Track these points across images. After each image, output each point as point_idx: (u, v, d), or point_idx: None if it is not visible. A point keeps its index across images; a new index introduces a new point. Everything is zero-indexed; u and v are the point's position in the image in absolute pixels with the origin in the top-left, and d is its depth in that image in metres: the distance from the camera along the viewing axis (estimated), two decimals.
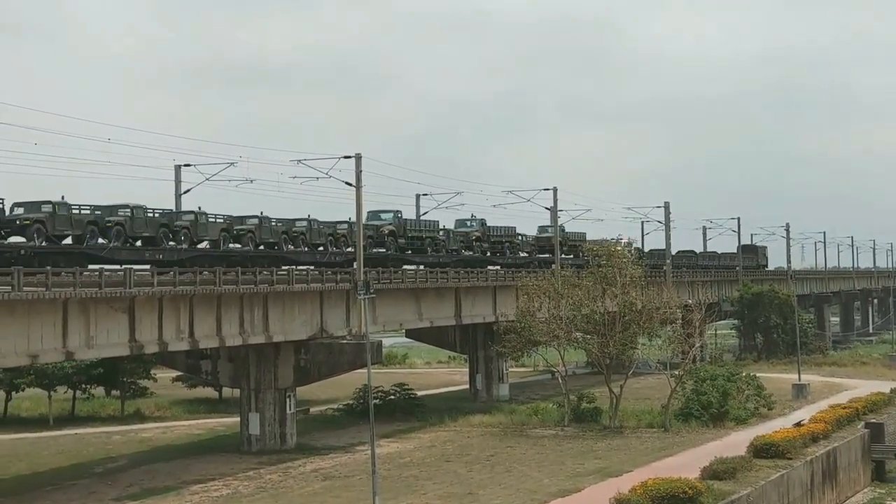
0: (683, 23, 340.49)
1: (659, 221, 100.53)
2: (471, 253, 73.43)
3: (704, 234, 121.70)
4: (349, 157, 55.60)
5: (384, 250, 64.61)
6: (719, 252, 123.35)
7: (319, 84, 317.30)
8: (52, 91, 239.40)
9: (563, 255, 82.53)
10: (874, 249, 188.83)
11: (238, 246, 54.21)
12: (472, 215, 76.18)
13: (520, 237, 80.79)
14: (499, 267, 77.14)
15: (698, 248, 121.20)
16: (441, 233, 71.29)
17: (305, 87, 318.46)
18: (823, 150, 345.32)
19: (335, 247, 60.38)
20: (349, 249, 60.54)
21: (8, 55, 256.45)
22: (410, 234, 67.48)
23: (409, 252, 67.64)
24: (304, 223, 58.32)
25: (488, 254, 76.61)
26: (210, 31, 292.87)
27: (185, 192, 59.03)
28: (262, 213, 55.58)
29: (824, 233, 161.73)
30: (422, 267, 67.31)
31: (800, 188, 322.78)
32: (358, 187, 56.09)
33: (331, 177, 56.12)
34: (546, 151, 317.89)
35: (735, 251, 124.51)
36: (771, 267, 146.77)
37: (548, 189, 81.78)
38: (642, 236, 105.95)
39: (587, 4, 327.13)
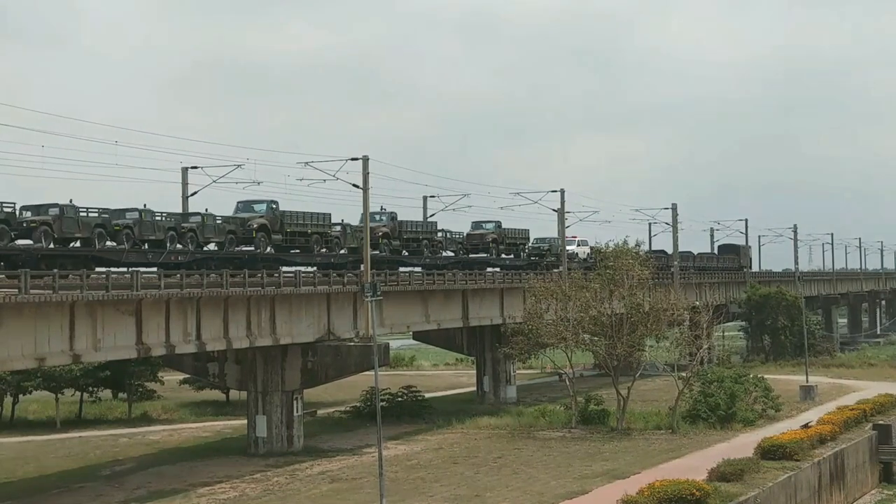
0: (692, 25, 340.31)
1: (666, 223, 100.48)
2: (376, 252, 61.63)
3: (712, 236, 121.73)
4: (356, 159, 55.65)
5: (253, 248, 54.60)
6: (695, 252, 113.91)
7: (328, 86, 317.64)
8: (60, 94, 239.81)
9: (500, 256, 77.77)
10: (882, 251, 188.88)
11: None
12: (382, 207, 65.72)
13: (442, 234, 72.43)
14: (414, 268, 68.10)
15: (704, 250, 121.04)
16: (337, 228, 60.95)
17: (314, 90, 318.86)
18: (831, 151, 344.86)
19: (189, 244, 50.00)
20: (211, 247, 52.34)
21: (17, 58, 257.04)
22: (291, 228, 57.01)
23: (292, 251, 58.05)
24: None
25: (403, 252, 67.11)
26: (219, 35, 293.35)
27: (192, 195, 59.10)
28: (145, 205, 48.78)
29: (832, 234, 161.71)
30: (311, 268, 58.04)
31: (808, 189, 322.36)
32: (365, 189, 56.11)
33: (338, 179, 56.25)
34: (555, 154, 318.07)
35: (720, 250, 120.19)
36: (777, 269, 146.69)
37: (555, 191, 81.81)
38: (650, 238, 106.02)
39: (596, 7, 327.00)
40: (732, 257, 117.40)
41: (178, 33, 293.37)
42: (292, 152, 72.04)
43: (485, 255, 75.18)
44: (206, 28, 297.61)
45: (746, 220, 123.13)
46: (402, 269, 65.41)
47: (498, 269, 77.22)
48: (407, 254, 66.95)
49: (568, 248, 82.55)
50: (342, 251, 61.05)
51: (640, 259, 64.43)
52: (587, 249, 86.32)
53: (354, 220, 62.25)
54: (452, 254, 71.99)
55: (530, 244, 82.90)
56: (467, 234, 75.34)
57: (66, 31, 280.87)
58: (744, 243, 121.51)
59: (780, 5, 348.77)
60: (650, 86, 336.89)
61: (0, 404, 66.87)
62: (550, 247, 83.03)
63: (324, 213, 59.51)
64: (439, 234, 70.75)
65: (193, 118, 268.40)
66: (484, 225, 76.17)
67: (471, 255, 74.30)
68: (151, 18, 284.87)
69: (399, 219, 67.16)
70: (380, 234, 62.72)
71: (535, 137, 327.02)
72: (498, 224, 76.53)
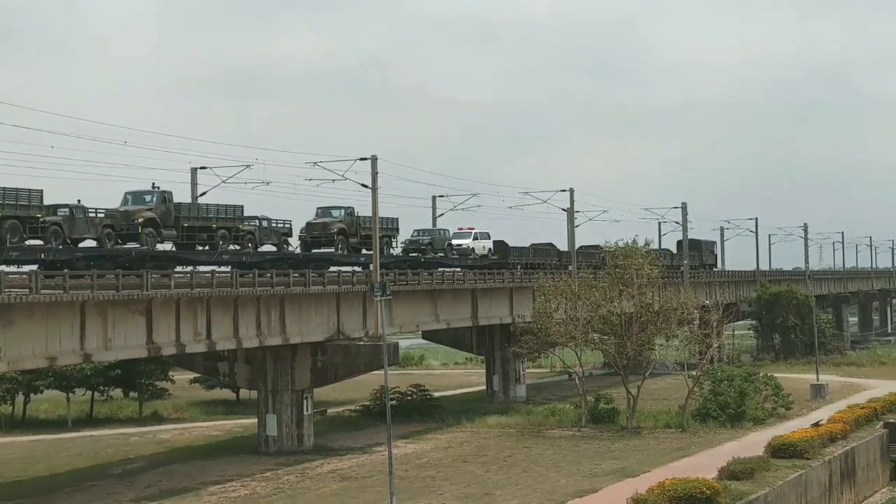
0: (701, 28, 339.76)
1: (676, 222, 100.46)
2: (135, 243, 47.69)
3: (722, 235, 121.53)
4: (365, 158, 55.72)
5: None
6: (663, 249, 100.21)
7: (337, 90, 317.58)
8: (70, 96, 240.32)
9: (349, 252, 61.39)
10: (893, 249, 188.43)
11: None
12: (154, 185, 49.76)
13: (256, 222, 55.08)
14: (193, 267, 50.88)
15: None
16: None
17: (323, 93, 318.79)
18: (840, 151, 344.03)
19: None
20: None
21: (26, 61, 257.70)
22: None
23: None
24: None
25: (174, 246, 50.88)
26: (226, 40, 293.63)
27: (201, 195, 59.22)
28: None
29: (842, 233, 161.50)
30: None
31: (818, 189, 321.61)
32: (374, 189, 56.19)
33: (347, 179, 56.28)
34: (564, 156, 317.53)
35: (678, 247, 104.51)
36: (788, 267, 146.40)
37: (564, 190, 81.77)
38: (659, 237, 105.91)
39: (602, 11, 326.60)
40: (693, 255, 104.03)
41: (186, 38, 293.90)
42: (301, 152, 72.10)
43: (330, 249, 60.00)
44: (212, 33, 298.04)
45: (756, 219, 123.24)
46: (182, 268, 49.33)
47: (358, 269, 61.16)
48: (176, 248, 50.68)
49: (458, 241, 72.98)
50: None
51: (649, 258, 64.38)
52: (488, 244, 75.55)
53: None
54: (274, 248, 56.85)
55: (409, 237, 70.29)
56: (307, 224, 60.22)
57: (73, 37, 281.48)
58: (709, 239, 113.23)
59: (789, 9, 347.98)
60: (658, 88, 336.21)
61: (12, 403, 67.05)
62: (433, 240, 70.22)
63: (234, 206, 52.55)
64: (250, 223, 54.22)
65: (203, 120, 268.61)
66: (332, 211, 60.93)
67: (314, 251, 59.73)
68: (159, 23, 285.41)
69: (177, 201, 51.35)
70: (139, 220, 47.54)
71: (543, 140, 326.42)
72: (350, 210, 60.87)
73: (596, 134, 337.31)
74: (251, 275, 49.32)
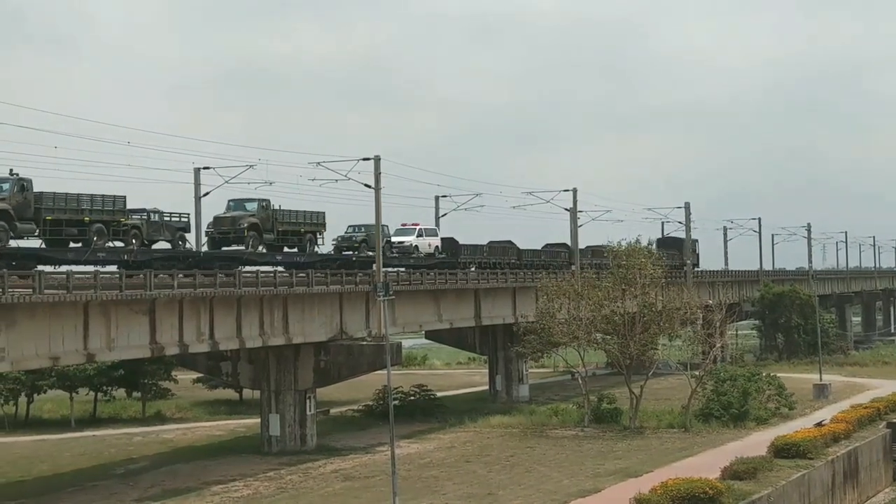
0: (704, 26, 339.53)
1: (679, 222, 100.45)
2: None
3: (725, 235, 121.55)
4: (368, 159, 55.76)
5: None
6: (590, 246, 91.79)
7: (341, 89, 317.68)
8: (73, 96, 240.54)
9: (265, 250, 55.46)
10: None
11: None
12: (11, 171, 42.77)
13: (141, 217, 48.35)
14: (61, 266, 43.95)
15: (716, 250, 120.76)
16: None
17: (326, 93, 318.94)
18: (845, 150, 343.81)
19: None
20: None
21: (30, 61, 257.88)
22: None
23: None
24: None
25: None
26: (231, 39, 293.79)
27: (204, 195, 59.25)
28: None
29: (846, 233, 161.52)
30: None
31: (821, 189, 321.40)
32: (377, 189, 56.20)
33: (350, 179, 56.31)
34: (568, 156, 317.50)
35: (658, 244, 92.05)
36: (791, 267, 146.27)
37: (567, 190, 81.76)
38: (663, 237, 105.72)
39: (609, 11, 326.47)
40: (673, 253, 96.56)
41: (190, 37, 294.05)
42: (304, 153, 72.10)
43: (241, 247, 53.25)
44: (217, 33, 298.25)
45: (760, 219, 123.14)
46: (42, 267, 42.28)
47: (281, 270, 54.75)
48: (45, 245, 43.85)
49: (400, 238, 67.02)
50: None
51: (652, 258, 64.38)
52: (436, 241, 69.81)
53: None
54: (168, 244, 50.10)
55: (343, 233, 63.43)
56: (214, 218, 54.13)
57: (79, 37, 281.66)
58: (690, 236, 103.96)
59: (795, 8, 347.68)
60: (663, 89, 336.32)
61: (15, 403, 67.11)
62: (368, 237, 61.31)
63: (114, 197, 45.69)
64: (135, 216, 47.65)
65: (204, 121, 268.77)
66: (245, 204, 54.68)
67: (223, 249, 53.46)
68: (162, 22, 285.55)
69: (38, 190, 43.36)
70: None
71: (549, 140, 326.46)
72: (264, 203, 54.73)
73: (600, 133, 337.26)
74: (254, 274, 49.34)
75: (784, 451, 46.51)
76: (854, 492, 50.13)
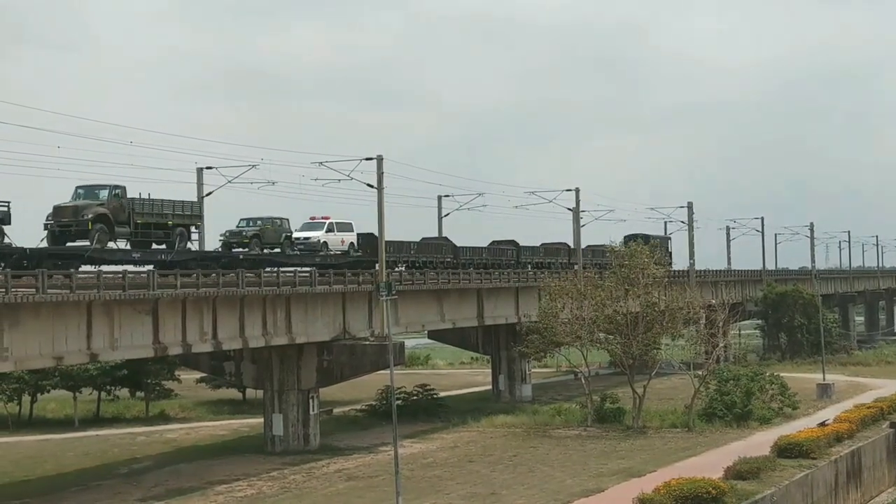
0: (708, 26, 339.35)
1: (682, 222, 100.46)
2: None
3: (728, 235, 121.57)
4: (370, 158, 55.85)
5: None
6: (589, 245, 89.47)
7: (343, 90, 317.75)
8: (76, 96, 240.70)
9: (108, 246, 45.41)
10: None
11: None
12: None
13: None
14: None
15: (719, 250, 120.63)
16: None
17: (328, 94, 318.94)
18: (849, 150, 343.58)
19: None
20: None
21: (32, 62, 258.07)
22: None
23: None
24: None
25: None
26: (232, 39, 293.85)
27: (207, 195, 59.27)
28: None
29: (849, 232, 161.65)
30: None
31: (825, 189, 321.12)
32: (379, 189, 56.25)
33: (352, 179, 56.35)
34: (571, 156, 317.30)
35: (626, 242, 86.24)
36: (794, 267, 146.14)
37: (570, 190, 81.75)
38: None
39: (613, 11, 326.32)
40: None
41: (193, 38, 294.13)
42: (307, 152, 72.06)
43: (84, 242, 44.06)
44: (217, 33, 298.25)
45: (763, 219, 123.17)
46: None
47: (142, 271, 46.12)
48: None
49: (305, 234, 59.01)
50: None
51: (655, 258, 64.37)
52: (350, 238, 60.52)
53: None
54: None
55: (233, 227, 55.81)
56: (54, 208, 44.86)
57: (80, 37, 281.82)
58: (662, 234, 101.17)
59: (798, 7, 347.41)
60: (667, 88, 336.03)
61: (18, 403, 67.18)
62: (263, 232, 54.95)
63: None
64: None
65: (208, 121, 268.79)
66: (98, 192, 45.73)
67: (67, 244, 44.45)
68: (165, 23, 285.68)
69: None
70: None
71: (552, 141, 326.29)
72: (117, 191, 45.88)
73: (605, 133, 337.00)
74: (256, 274, 49.41)
75: (787, 450, 46.50)
76: (857, 492, 50.10)
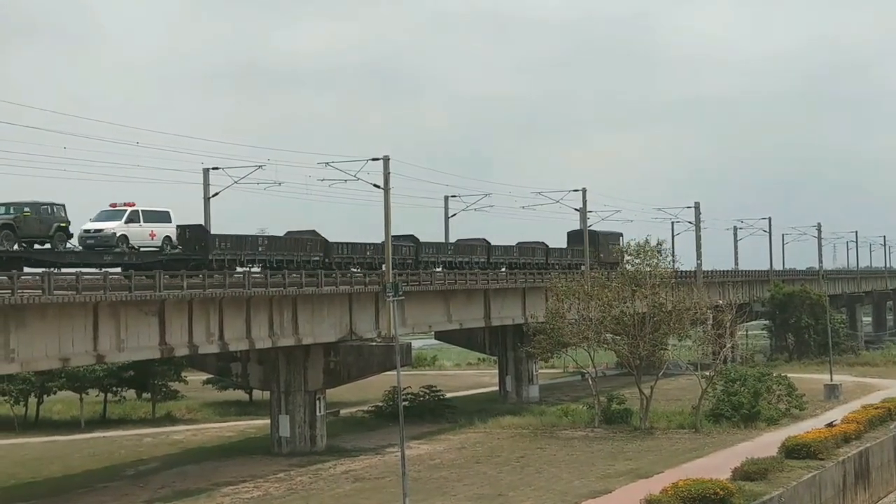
0: (717, 21, 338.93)
1: (689, 222, 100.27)
2: None
3: (735, 234, 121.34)
4: (377, 159, 55.82)
5: None
6: (529, 242, 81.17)
7: (349, 86, 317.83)
8: (81, 95, 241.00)
9: None
10: None
11: None
12: None
13: None
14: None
15: (725, 247, 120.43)
16: None
17: (334, 90, 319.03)
18: (858, 149, 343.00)
19: None
20: None
21: (37, 59, 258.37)
22: None
23: None
24: None
25: None
26: (241, 35, 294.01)
27: (213, 196, 59.28)
28: None
29: (856, 232, 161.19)
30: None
31: (833, 187, 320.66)
32: (386, 189, 56.22)
33: (359, 179, 56.34)
34: (579, 152, 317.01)
35: (570, 239, 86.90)
36: (801, 267, 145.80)
37: (577, 190, 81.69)
38: (672, 237, 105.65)
39: (619, 4, 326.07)
40: (591, 249, 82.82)
41: (200, 35, 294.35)
42: (313, 152, 71.96)
43: None
44: (224, 28, 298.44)
45: (770, 219, 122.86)
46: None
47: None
48: None
49: (98, 224, 45.90)
50: None
51: (664, 258, 64.36)
52: (166, 230, 48.19)
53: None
54: None
55: None
56: None
57: (86, 33, 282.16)
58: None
59: (805, 1, 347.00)
60: (675, 83, 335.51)
61: (25, 405, 67.23)
62: (21, 219, 41.10)
63: None
64: None
65: (215, 119, 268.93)
66: None
67: None
68: (171, 21, 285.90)
69: None
70: None
71: (558, 135, 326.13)
72: None
73: (616, 130, 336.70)
74: (263, 275, 49.41)
75: (795, 451, 46.38)
76: (865, 492, 49.97)
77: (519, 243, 79.26)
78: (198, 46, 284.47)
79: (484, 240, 75.27)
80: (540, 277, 73.89)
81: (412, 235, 66.76)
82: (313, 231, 59.43)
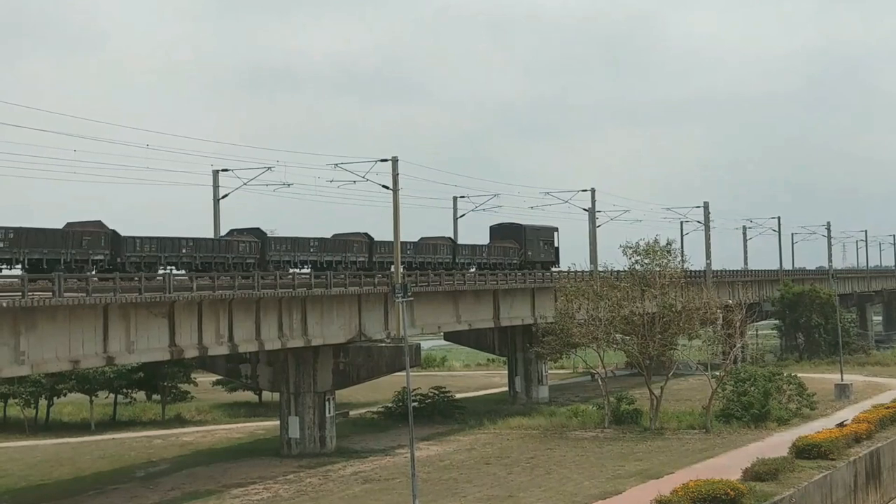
0: (722, 20, 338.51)
1: (698, 221, 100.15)
2: None
3: (744, 234, 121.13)
4: (385, 160, 55.83)
5: None
6: (433, 238, 68.23)
7: (356, 88, 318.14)
8: (92, 99, 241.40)
9: None
10: None
11: None
12: None
13: None
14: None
15: (736, 250, 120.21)
16: None
17: (343, 92, 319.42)
18: (866, 149, 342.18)
19: None
20: None
21: (48, 64, 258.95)
22: None
23: None
24: None
25: None
26: (247, 38, 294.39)
27: (223, 197, 59.33)
28: None
29: (866, 231, 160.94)
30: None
31: (842, 187, 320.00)
32: (395, 190, 56.20)
33: (368, 180, 56.34)
34: (585, 152, 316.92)
35: (492, 234, 75.94)
36: (811, 266, 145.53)
37: (585, 190, 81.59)
38: (681, 237, 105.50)
39: (627, 3, 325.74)
40: (508, 247, 73.81)
41: (207, 38, 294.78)
42: (322, 154, 71.91)
43: None
44: (231, 31, 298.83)
45: (779, 218, 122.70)
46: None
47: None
48: None
49: None
50: None
51: (674, 258, 64.20)
52: None
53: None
54: None
55: None
56: None
57: (95, 37, 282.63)
58: (544, 224, 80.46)
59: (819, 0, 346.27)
60: (681, 82, 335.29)
61: (35, 407, 67.33)
62: None
63: None
64: None
65: (223, 122, 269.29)
66: None
67: None
68: (178, 24, 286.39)
69: None
70: None
71: (564, 136, 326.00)
72: None
73: (617, 130, 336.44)
74: (272, 277, 49.43)
75: (806, 451, 46.24)
76: (877, 493, 49.79)
77: (422, 238, 66.58)
78: (203, 52, 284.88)
79: (448, 238, 69.78)
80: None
81: (366, 233, 61.10)
82: (256, 230, 54.07)
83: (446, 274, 63.70)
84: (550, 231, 79.32)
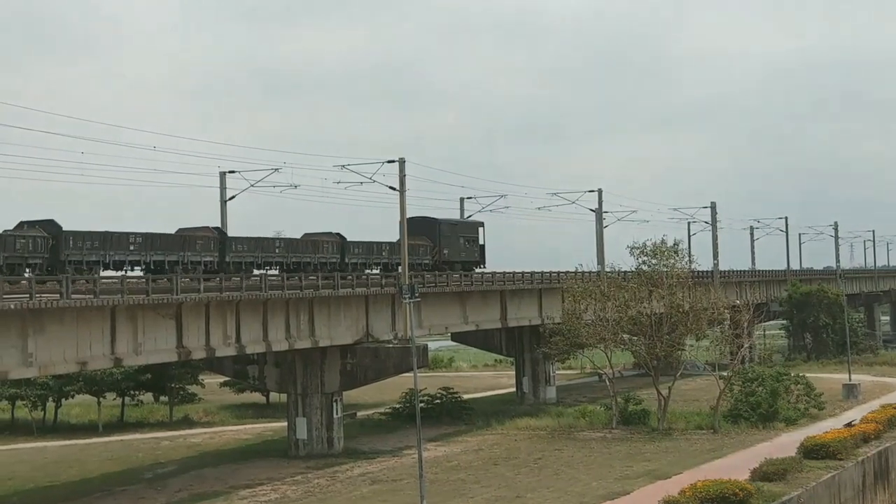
0: (732, 24, 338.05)
1: (705, 222, 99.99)
2: None
3: (752, 235, 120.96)
4: (392, 161, 55.81)
5: None
6: (317, 234, 58.45)
7: (365, 92, 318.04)
8: (99, 102, 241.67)
9: None
10: None
11: None
12: None
13: None
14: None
15: (742, 247, 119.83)
16: None
17: (351, 96, 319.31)
18: (873, 149, 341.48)
19: None
20: None
21: (55, 67, 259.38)
22: None
23: None
24: None
25: None
26: (257, 42, 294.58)
27: (230, 199, 59.31)
28: None
29: (873, 231, 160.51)
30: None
31: (849, 188, 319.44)
32: (402, 191, 56.18)
33: (375, 181, 56.32)
34: (593, 155, 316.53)
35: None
36: (819, 266, 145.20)
37: (592, 191, 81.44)
38: (689, 237, 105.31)
39: (634, 6, 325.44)
40: (420, 243, 64.33)
41: (216, 42, 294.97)
42: (330, 155, 72.00)
43: None
44: (238, 35, 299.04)
45: (786, 218, 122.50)
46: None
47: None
48: None
49: None
50: None
51: (681, 258, 64.15)
52: None
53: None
54: None
55: None
56: None
57: (101, 42, 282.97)
58: (468, 219, 74.53)
59: (826, 5, 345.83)
60: (689, 85, 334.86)
61: (43, 408, 67.44)
62: None
63: None
64: None
65: (231, 125, 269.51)
66: None
67: None
68: (188, 27, 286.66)
69: None
70: None
71: (572, 138, 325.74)
72: None
73: (630, 132, 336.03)
74: (280, 278, 49.44)
75: (814, 451, 46.16)
76: (885, 492, 49.69)
77: (305, 235, 57.79)
78: (209, 53, 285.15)
79: (337, 234, 59.25)
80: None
81: (217, 227, 53.97)
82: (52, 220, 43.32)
83: (460, 274, 63.72)
84: (474, 226, 71.26)
